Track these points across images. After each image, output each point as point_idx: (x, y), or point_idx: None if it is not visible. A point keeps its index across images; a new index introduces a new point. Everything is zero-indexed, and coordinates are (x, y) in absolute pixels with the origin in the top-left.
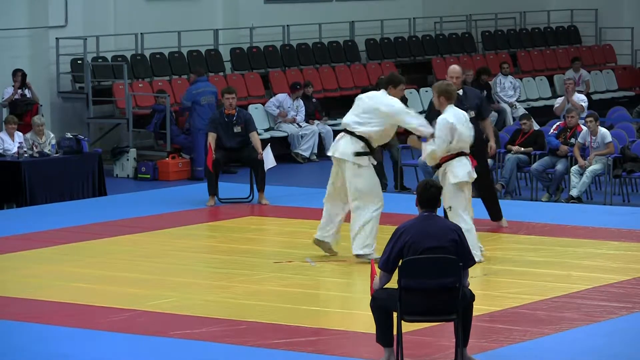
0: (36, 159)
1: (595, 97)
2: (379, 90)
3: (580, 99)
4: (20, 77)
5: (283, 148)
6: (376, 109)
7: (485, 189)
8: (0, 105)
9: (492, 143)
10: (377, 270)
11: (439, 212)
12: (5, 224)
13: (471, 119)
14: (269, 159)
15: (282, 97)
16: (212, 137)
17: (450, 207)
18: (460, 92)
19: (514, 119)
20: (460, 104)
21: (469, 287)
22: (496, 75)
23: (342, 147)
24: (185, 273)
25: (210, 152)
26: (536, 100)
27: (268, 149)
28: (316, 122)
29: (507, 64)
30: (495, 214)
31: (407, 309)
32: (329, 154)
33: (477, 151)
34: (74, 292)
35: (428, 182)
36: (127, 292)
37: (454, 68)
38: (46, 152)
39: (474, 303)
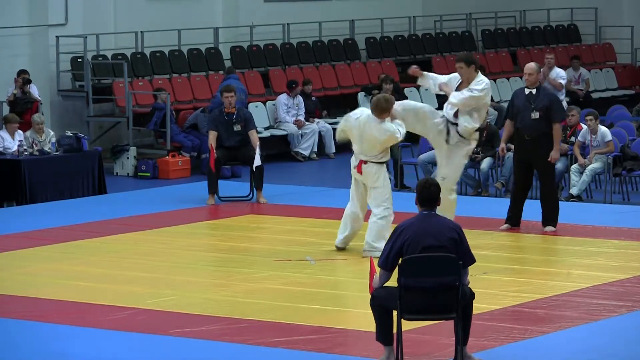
0: (36, 157)
1: (595, 95)
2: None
3: (560, 75)
4: (22, 79)
5: (283, 146)
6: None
7: (547, 192)
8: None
9: (554, 153)
10: (377, 269)
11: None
12: (5, 222)
13: (536, 120)
14: (256, 158)
15: (283, 98)
16: (212, 136)
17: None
18: (534, 90)
19: None
20: (529, 103)
21: (469, 286)
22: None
23: None
24: (185, 271)
25: (212, 151)
26: None
27: (257, 149)
28: (317, 120)
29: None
30: (547, 218)
31: (406, 307)
32: None
33: (542, 155)
34: (73, 291)
35: (428, 181)
36: (127, 290)
37: (529, 65)
38: (46, 151)
39: (473, 301)
